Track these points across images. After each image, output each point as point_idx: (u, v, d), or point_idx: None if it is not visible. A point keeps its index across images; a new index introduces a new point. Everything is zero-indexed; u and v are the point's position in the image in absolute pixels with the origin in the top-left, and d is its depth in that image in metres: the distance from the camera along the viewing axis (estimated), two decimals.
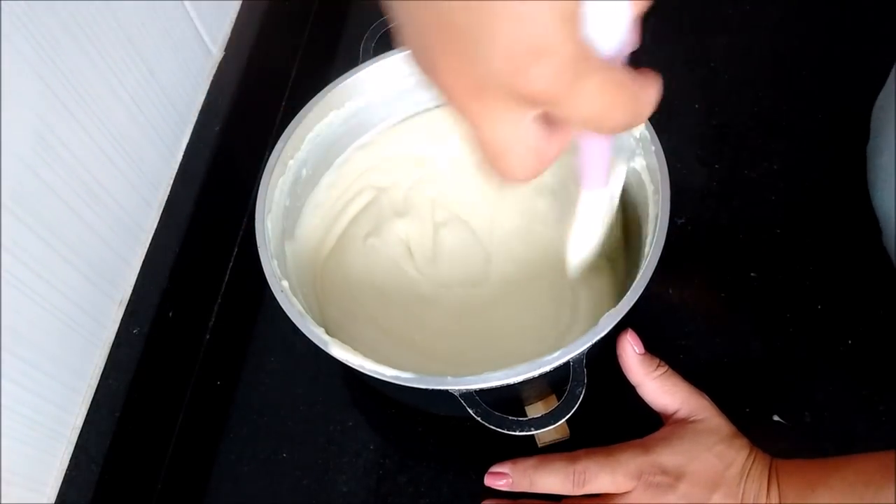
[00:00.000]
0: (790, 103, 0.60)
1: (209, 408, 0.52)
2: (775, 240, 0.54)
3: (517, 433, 0.40)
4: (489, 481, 0.43)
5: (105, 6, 0.43)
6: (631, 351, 0.43)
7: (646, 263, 0.40)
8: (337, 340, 0.40)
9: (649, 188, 0.45)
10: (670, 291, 0.52)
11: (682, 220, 0.55)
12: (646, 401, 0.44)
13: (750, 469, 0.40)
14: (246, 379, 0.53)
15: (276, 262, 0.43)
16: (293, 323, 0.41)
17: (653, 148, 0.44)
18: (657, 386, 0.43)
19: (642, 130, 0.45)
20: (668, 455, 0.41)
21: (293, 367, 0.53)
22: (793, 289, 0.52)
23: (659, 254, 0.40)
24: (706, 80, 0.62)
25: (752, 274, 0.53)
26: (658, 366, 0.44)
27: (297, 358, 0.53)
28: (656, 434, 0.42)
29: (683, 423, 0.42)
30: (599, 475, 0.41)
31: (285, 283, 0.42)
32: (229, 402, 0.52)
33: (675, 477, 0.40)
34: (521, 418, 0.40)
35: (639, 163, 0.46)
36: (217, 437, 0.51)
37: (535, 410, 0.47)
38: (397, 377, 0.39)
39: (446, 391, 0.39)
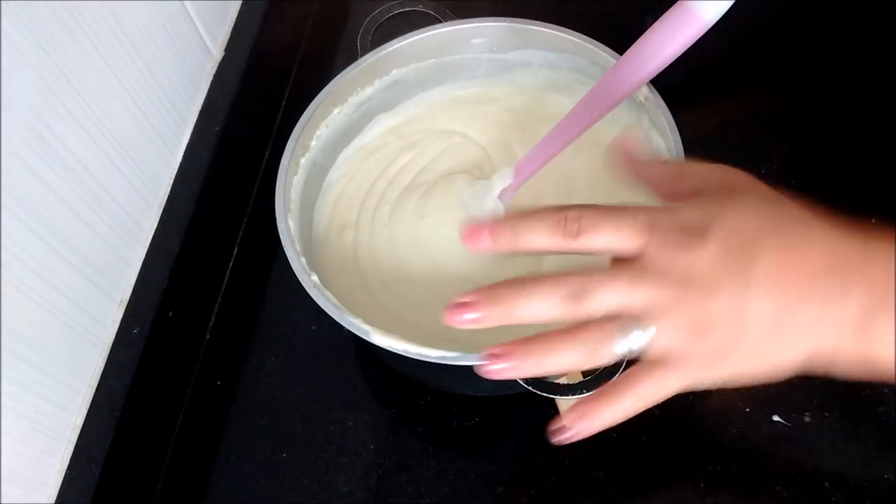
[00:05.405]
0: (791, 102, 0.60)
1: (209, 408, 0.52)
2: None
3: (570, 396, 0.39)
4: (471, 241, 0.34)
5: (105, 6, 0.43)
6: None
7: None
8: (377, 329, 0.41)
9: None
10: None
11: None
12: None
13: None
14: (246, 379, 0.53)
15: (303, 259, 0.44)
16: (331, 317, 0.41)
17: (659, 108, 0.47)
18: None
19: (647, 93, 0.47)
20: (694, 210, 0.32)
21: (293, 367, 0.53)
22: None
23: None
24: (706, 79, 0.62)
25: None
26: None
27: (297, 358, 0.53)
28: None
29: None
30: (600, 223, 0.32)
31: (315, 278, 0.43)
32: (229, 402, 0.52)
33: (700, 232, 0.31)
34: (571, 382, 0.39)
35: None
36: (217, 437, 0.51)
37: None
38: (443, 357, 0.39)
39: None
